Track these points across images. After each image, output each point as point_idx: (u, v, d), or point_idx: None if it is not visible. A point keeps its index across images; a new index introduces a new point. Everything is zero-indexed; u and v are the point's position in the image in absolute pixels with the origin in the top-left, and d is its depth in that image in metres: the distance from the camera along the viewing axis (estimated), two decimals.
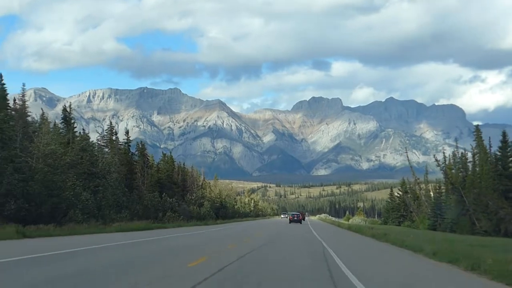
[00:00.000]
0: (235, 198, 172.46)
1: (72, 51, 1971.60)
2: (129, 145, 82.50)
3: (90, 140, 72.19)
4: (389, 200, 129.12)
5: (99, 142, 76.24)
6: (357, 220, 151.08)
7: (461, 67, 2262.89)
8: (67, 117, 65.06)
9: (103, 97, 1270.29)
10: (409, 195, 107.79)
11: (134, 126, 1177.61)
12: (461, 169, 73.96)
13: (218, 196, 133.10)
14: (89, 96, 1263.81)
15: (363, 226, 76.68)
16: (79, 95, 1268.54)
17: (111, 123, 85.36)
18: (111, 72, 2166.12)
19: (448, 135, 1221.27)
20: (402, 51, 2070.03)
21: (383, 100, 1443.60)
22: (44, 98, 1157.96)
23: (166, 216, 77.71)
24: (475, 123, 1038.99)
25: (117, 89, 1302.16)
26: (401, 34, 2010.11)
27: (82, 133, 68.40)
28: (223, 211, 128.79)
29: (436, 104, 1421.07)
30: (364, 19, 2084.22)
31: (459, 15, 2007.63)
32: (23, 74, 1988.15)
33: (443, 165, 79.65)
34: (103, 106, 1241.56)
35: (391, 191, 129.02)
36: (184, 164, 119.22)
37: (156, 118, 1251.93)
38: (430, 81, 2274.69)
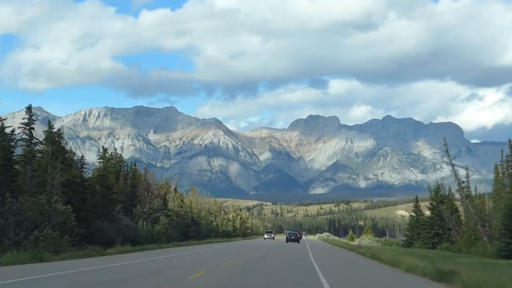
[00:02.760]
0: (214, 214, 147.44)
1: (68, 70, 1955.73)
2: (32, 128, 58.51)
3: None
4: (413, 214, 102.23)
5: None
6: (366, 240, 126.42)
7: (458, 84, 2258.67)
8: None
9: (98, 116, 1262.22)
10: (444, 207, 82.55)
11: (130, 144, 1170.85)
12: None
13: (189, 211, 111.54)
14: (84, 115, 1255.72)
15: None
16: (75, 114, 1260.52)
17: None
18: (107, 91, 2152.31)
19: (446, 153, 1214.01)
20: (400, 68, 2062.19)
21: (381, 118, 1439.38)
22: (40, 117, 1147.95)
23: (31, 239, 44.12)
24: (473, 141, 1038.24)
25: (113, 108, 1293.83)
26: (399, 52, 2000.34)
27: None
28: (194, 229, 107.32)
29: (434, 122, 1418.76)
30: (362, 36, 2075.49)
31: (458, 32, 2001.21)
32: (19, 93, 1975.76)
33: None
34: (99, 125, 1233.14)
35: (417, 202, 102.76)
36: (135, 164, 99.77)
37: (152, 136, 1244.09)
38: (427, 99, 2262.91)
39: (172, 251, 61.33)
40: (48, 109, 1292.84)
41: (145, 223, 78.18)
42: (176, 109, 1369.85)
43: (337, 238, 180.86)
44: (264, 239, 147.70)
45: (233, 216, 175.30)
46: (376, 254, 49.18)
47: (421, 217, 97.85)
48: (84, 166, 71.03)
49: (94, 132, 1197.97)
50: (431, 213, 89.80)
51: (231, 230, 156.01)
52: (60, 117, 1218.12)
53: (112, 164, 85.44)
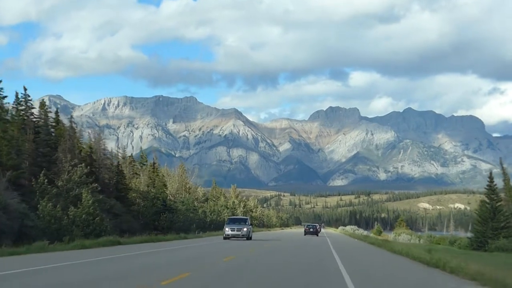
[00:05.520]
0: (206, 197, 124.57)
1: (88, 59, 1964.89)
2: None
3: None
4: (486, 200, 71.57)
5: None
6: (403, 236, 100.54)
7: (480, 78, 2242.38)
8: None
9: (118, 105, 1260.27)
10: None
11: (149, 134, 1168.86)
12: None
13: (160, 191, 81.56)
14: (104, 104, 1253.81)
15: None
16: (94, 102, 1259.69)
17: None
18: (126, 80, 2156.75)
19: (467, 147, 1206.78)
20: (421, 61, 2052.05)
21: (401, 111, 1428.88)
22: (59, 106, 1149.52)
23: None
24: (494, 134, 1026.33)
25: (132, 97, 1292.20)
26: (421, 44, 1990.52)
27: None
28: (167, 218, 78.09)
29: (455, 115, 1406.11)
30: (384, 29, 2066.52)
31: (480, 25, 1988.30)
32: (38, 81, 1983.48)
33: None
34: (118, 114, 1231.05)
35: (491, 181, 71.69)
36: (57, 112, 67.30)
37: (171, 126, 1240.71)
38: (448, 92, 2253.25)
39: None
40: (67, 98, 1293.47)
41: (50, 205, 46.21)
42: (195, 99, 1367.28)
43: (365, 232, 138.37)
44: (227, 233, 66.94)
45: (233, 202, 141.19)
46: None
47: (499, 204, 70.63)
48: None
49: (113, 121, 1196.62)
50: None
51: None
52: (79, 106, 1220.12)
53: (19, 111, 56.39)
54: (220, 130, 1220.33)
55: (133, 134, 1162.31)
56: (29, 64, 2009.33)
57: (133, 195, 76.59)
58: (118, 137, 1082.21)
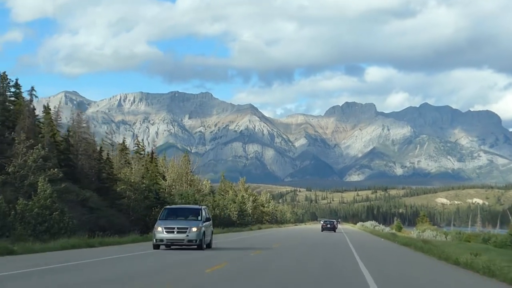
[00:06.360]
0: (212, 191, 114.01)
1: (104, 55, 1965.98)
2: None
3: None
4: None
5: None
6: (428, 232, 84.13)
7: (496, 73, 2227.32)
8: None
9: (134, 101, 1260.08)
10: None
11: (165, 130, 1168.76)
12: None
13: (152, 182, 70.80)
14: (120, 99, 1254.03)
15: None
16: (110, 98, 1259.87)
17: None
18: (142, 76, 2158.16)
19: (484, 142, 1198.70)
20: (438, 56, 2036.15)
21: (418, 106, 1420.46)
22: (75, 102, 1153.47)
23: None
24: (511, 129, 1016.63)
25: (148, 93, 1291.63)
26: (437, 39, 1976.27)
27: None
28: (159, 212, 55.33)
29: (471, 110, 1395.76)
30: (400, 24, 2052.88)
31: (496, 20, 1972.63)
32: (55, 78, 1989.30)
33: None
34: (134, 110, 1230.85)
35: None
36: (17, 82, 56.48)
37: (187, 122, 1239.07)
38: (464, 87, 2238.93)
39: None
40: (83, 94, 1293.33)
41: None
42: (211, 94, 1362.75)
43: (386, 228, 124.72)
44: (156, 245, 37.13)
45: (243, 196, 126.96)
46: None
47: None
48: None
49: (129, 116, 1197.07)
50: None
51: (234, 215, 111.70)
52: (95, 102, 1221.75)
53: None
54: (236, 125, 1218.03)
55: (149, 130, 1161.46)
56: (45, 60, 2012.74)
57: (122, 186, 66.26)
58: (134, 133, 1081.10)
